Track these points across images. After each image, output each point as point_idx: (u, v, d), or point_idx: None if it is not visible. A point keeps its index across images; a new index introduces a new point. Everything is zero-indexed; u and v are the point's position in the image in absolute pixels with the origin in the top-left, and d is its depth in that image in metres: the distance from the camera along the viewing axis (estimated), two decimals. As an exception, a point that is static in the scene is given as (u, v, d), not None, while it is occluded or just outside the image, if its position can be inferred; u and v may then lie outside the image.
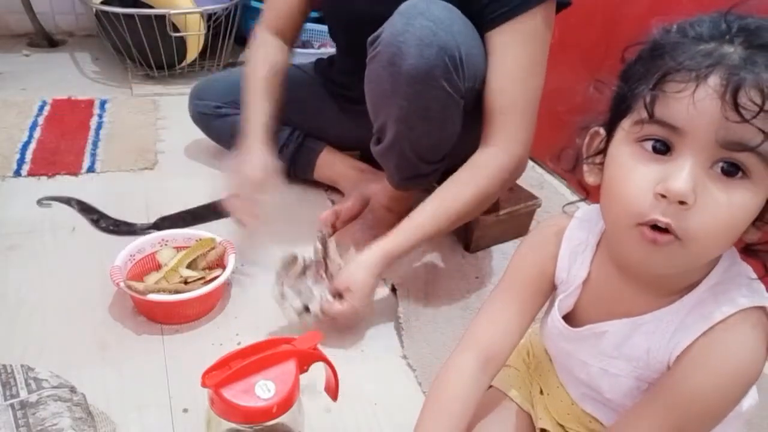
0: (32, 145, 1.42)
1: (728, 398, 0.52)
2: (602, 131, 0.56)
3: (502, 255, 1.20)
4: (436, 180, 1.04)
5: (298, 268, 0.96)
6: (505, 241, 1.23)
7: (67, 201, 1.23)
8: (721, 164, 0.46)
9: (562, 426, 0.70)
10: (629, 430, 0.56)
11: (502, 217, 1.18)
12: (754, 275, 0.55)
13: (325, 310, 0.91)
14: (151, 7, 1.68)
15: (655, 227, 0.48)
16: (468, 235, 1.20)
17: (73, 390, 0.77)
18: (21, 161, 1.35)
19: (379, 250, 0.93)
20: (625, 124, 0.51)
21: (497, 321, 0.67)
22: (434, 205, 0.94)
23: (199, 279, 1.00)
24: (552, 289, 0.66)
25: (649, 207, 0.47)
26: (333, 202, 1.32)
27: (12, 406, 0.72)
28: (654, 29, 0.51)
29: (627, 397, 0.60)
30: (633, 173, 0.49)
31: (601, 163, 0.55)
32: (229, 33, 1.85)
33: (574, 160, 0.59)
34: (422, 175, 1.07)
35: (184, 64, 1.84)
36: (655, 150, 0.48)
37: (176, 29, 1.70)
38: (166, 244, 1.05)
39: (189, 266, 1.01)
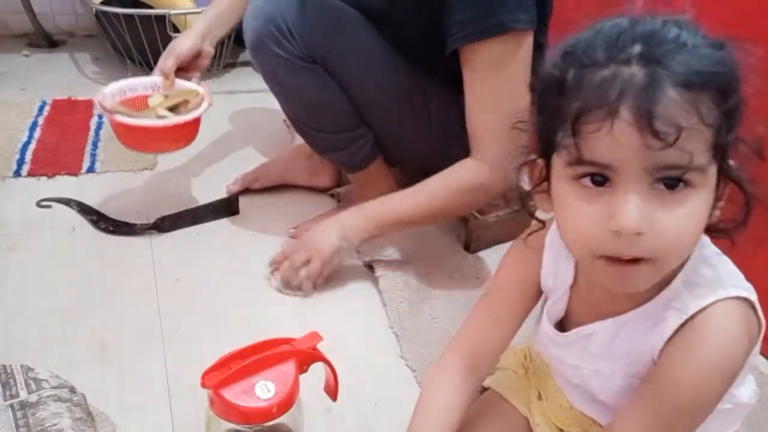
0: (32, 146, 1.42)
1: (712, 388, 0.52)
2: (540, 161, 0.55)
3: (502, 255, 1.19)
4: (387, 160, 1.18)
5: None
6: (505, 241, 1.23)
7: (67, 202, 1.23)
8: (661, 182, 0.46)
9: (561, 430, 0.70)
10: (622, 428, 0.56)
11: (502, 217, 1.18)
12: (722, 265, 0.55)
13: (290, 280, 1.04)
14: (151, 7, 1.68)
15: (621, 258, 0.48)
16: (468, 235, 1.20)
17: (73, 390, 0.77)
18: (21, 161, 1.35)
19: (337, 217, 1.06)
20: (557, 162, 0.51)
21: (483, 327, 0.67)
22: (406, 196, 1.03)
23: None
24: (539, 293, 0.66)
25: (608, 244, 0.47)
26: (334, 196, 1.32)
27: (12, 406, 0.72)
28: (549, 55, 0.50)
29: (621, 397, 0.60)
30: (579, 212, 0.49)
31: (548, 191, 0.55)
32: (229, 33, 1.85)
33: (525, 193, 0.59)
34: (336, 148, 1.14)
35: (184, 64, 1.84)
36: (595, 182, 0.48)
37: (176, 29, 1.70)
38: (158, 91, 1.11)
39: (172, 110, 1.08)
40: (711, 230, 0.53)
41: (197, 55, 1.17)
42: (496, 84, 0.93)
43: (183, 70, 1.16)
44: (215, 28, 1.20)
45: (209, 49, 1.19)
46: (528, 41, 0.92)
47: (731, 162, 0.49)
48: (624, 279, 0.49)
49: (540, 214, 0.62)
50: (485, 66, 0.93)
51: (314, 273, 1.03)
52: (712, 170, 0.47)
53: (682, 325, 0.52)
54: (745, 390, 0.60)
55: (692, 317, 0.52)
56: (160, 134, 1.07)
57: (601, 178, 0.47)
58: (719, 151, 0.46)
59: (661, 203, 0.46)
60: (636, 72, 0.44)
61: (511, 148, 0.95)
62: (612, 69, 0.45)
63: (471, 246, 1.19)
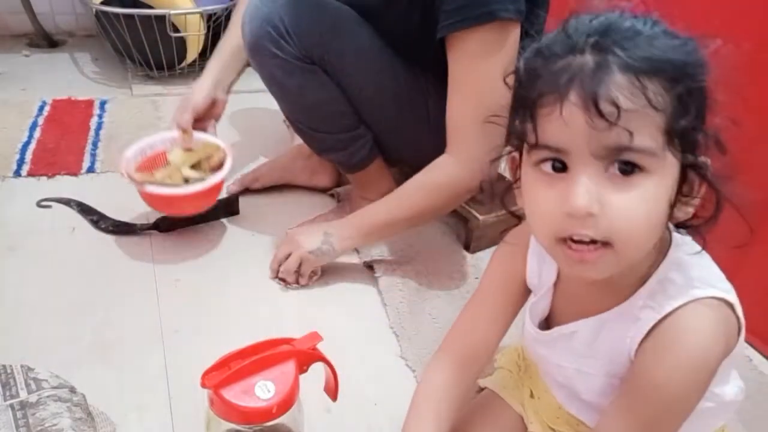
0: (32, 146, 1.41)
1: (687, 387, 0.52)
2: (516, 155, 0.56)
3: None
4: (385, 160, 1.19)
5: None
6: (505, 242, 1.23)
7: (67, 202, 1.23)
8: (616, 165, 0.47)
9: (552, 429, 0.70)
10: (606, 429, 0.56)
11: (502, 217, 1.18)
12: (699, 265, 0.55)
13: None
14: (151, 7, 1.68)
15: (580, 241, 0.49)
16: (468, 235, 1.20)
17: (73, 390, 0.77)
18: (21, 161, 1.35)
19: (327, 223, 1.07)
20: (525, 150, 0.53)
21: (473, 326, 0.68)
22: (388, 200, 1.03)
23: (199, 179, 1.08)
24: (527, 292, 0.67)
25: (566, 225, 0.49)
26: (334, 196, 1.32)
27: (12, 406, 0.72)
28: (521, 53, 0.53)
29: (602, 396, 0.60)
30: (539, 197, 0.51)
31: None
32: (229, 33, 1.85)
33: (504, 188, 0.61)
34: (335, 148, 1.13)
35: (184, 64, 1.83)
36: (555, 169, 0.49)
37: (176, 29, 1.70)
38: (177, 145, 1.12)
39: (194, 167, 1.09)
40: (682, 226, 0.53)
41: (213, 105, 1.18)
42: (480, 74, 0.93)
43: (198, 120, 1.16)
44: (226, 75, 1.20)
45: (223, 96, 1.20)
46: (515, 33, 0.93)
47: (702, 158, 0.49)
48: (582, 264, 0.50)
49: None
50: (471, 54, 0.93)
51: (290, 267, 1.04)
52: (669, 157, 0.47)
53: (656, 325, 0.53)
54: (729, 388, 0.60)
55: (666, 317, 0.52)
56: (191, 199, 1.07)
57: (560, 165, 0.49)
58: (677, 138, 0.47)
59: (614, 186, 0.47)
60: (587, 60, 0.47)
61: (488, 143, 0.97)
62: (567, 59, 0.47)
63: (471, 246, 1.19)
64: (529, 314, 0.65)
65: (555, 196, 0.49)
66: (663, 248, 0.55)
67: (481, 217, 1.16)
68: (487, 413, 0.73)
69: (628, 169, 0.47)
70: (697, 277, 0.53)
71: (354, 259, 1.15)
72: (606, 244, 0.48)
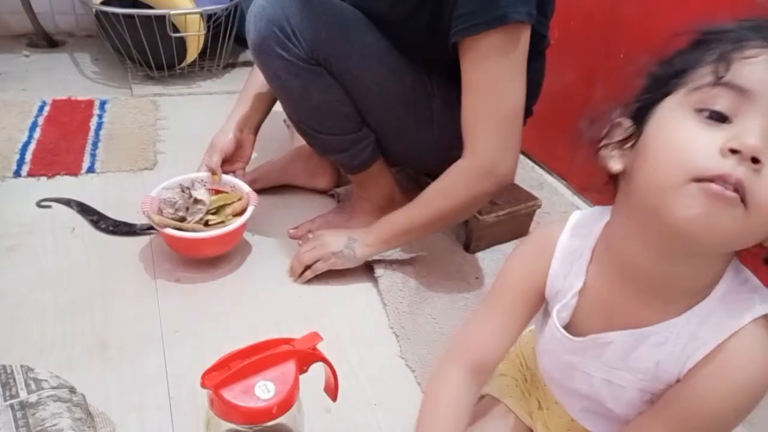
0: (32, 146, 1.42)
1: (741, 409, 0.51)
2: (625, 121, 0.54)
3: (502, 255, 1.20)
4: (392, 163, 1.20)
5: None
6: (505, 242, 1.23)
7: (67, 202, 1.23)
8: None
9: None
10: None
11: (502, 217, 1.18)
12: (759, 283, 0.54)
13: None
14: (151, 7, 1.68)
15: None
16: (468, 236, 1.20)
17: (72, 390, 0.77)
18: (21, 162, 1.35)
19: (352, 230, 1.09)
20: (672, 100, 0.50)
21: (485, 330, 0.66)
22: (408, 208, 1.04)
23: (219, 223, 1.08)
24: (542, 300, 0.65)
25: (715, 162, 0.45)
26: (334, 196, 1.33)
27: (12, 406, 0.72)
28: (699, 22, 0.51)
29: (630, 408, 0.59)
30: (693, 134, 0.47)
31: (631, 147, 0.53)
32: (229, 33, 1.85)
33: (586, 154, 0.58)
34: (337, 150, 1.13)
35: (184, 64, 1.84)
36: (712, 119, 0.47)
37: (176, 29, 1.70)
38: (204, 185, 1.13)
39: (216, 212, 1.10)
40: None
41: (240, 146, 1.19)
42: (492, 77, 0.93)
43: (227, 162, 1.18)
44: (252, 116, 1.21)
45: (250, 137, 1.22)
46: (526, 35, 0.93)
47: None
48: (708, 209, 0.45)
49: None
50: (484, 58, 0.92)
51: (305, 260, 1.07)
52: None
53: (718, 346, 0.51)
54: None
55: (730, 336, 0.51)
56: (208, 244, 1.07)
57: (721, 118, 0.46)
58: None
59: None
60: None
61: (504, 145, 0.96)
62: None
63: (471, 246, 1.19)
64: (556, 320, 0.62)
65: (715, 135, 0.46)
66: (723, 267, 0.53)
67: (481, 217, 1.16)
68: (491, 423, 0.72)
69: None
70: (759, 296, 0.52)
71: (354, 259, 1.15)
72: (743, 200, 0.44)
